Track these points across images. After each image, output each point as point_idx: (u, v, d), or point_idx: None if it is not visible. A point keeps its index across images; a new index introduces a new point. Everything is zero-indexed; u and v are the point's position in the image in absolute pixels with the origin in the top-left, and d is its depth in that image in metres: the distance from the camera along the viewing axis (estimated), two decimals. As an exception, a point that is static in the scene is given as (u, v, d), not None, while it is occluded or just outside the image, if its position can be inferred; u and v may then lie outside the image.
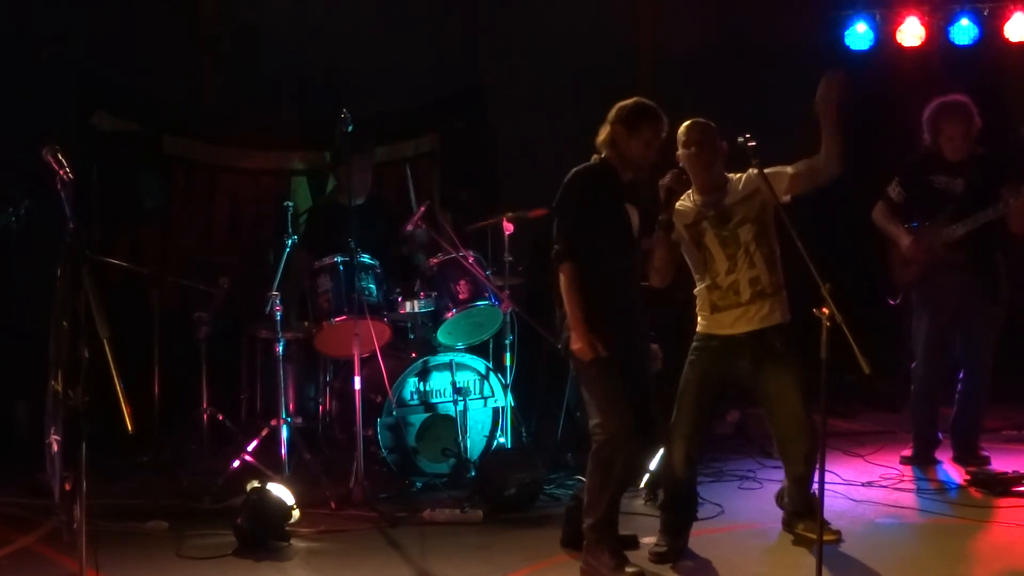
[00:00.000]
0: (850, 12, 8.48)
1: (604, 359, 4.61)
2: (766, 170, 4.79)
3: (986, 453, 6.43)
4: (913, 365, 6.49)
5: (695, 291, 5.04)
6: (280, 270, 6.43)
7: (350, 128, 5.94)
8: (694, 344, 5.03)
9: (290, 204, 6.71)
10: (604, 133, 4.79)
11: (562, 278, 4.67)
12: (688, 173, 4.90)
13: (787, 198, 4.88)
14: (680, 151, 4.91)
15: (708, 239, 4.93)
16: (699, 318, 5.04)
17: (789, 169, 4.91)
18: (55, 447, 4.40)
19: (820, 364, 4.10)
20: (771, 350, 4.91)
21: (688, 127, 4.93)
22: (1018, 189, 5.96)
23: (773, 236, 4.97)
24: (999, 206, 6.03)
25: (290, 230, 6.55)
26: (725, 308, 4.93)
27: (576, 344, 4.64)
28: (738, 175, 5.01)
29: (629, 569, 4.58)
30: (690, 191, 4.99)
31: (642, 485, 5.74)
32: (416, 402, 6.43)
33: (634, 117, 4.72)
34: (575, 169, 4.78)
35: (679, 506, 4.99)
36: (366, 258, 6.32)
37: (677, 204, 4.90)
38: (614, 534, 4.75)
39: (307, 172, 8.19)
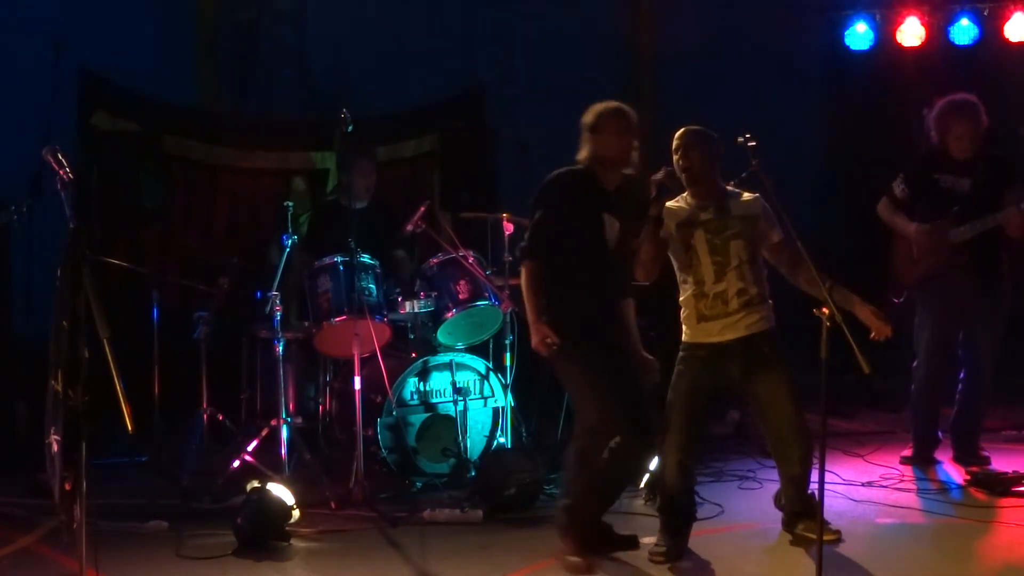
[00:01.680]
0: (850, 12, 8.49)
1: (583, 356, 4.68)
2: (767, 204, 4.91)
3: (986, 453, 6.42)
4: (914, 365, 6.48)
5: (681, 299, 5.03)
6: (280, 270, 6.43)
7: (350, 128, 5.94)
8: (681, 354, 5.00)
9: (290, 204, 6.70)
10: (582, 151, 4.85)
11: (523, 274, 4.77)
12: (681, 178, 4.91)
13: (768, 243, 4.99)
14: (674, 156, 4.92)
15: (697, 242, 4.92)
16: (684, 327, 5.02)
17: (776, 237, 4.95)
18: (55, 447, 4.39)
19: (821, 364, 4.10)
20: (760, 355, 4.90)
21: (680, 133, 4.94)
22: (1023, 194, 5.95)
23: (761, 256, 5.00)
24: (1005, 211, 6.02)
25: (290, 230, 6.55)
26: (713, 318, 4.91)
27: (533, 339, 4.72)
28: (742, 191, 5.01)
29: (586, 561, 4.64)
30: (684, 194, 4.99)
31: (642, 485, 5.74)
32: (416, 402, 6.42)
33: (594, 120, 4.82)
34: (556, 171, 4.85)
35: (677, 509, 4.99)
36: (366, 258, 6.32)
37: (671, 204, 4.90)
38: (589, 524, 4.81)
39: (307, 172, 8.19)
